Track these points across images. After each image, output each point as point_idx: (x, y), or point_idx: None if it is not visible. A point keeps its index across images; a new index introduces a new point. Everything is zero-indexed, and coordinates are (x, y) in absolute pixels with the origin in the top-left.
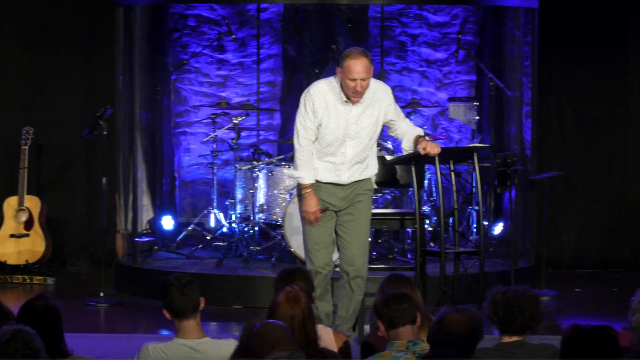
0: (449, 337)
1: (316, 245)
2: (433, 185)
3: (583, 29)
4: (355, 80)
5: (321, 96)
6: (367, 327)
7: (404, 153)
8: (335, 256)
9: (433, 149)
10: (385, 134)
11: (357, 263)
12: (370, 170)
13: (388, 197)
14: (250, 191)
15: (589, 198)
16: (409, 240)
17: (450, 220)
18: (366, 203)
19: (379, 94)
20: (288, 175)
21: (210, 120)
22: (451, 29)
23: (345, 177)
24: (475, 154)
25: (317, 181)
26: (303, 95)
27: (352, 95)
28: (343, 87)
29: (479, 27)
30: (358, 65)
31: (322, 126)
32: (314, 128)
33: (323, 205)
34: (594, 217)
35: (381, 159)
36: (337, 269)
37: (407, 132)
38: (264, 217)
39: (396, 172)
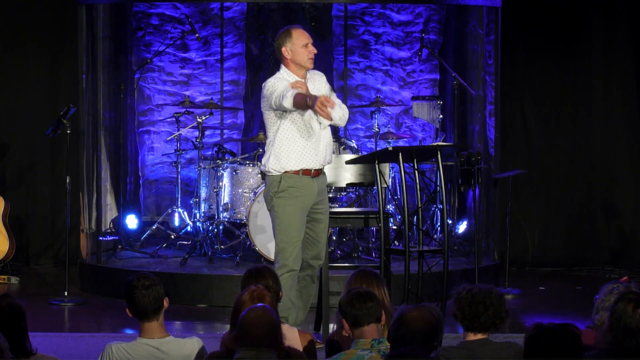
0: (409, 334)
1: (296, 243)
2: (397, 184)
3: (546, 28)
4: (307, 44)
5: (284, 80)
6: (332, 326)
7: None
8: None
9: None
10: (350, 132)
11: (322, 257)
12: (330, 154)
13: (352, 195)
14: (215, 190)
15: (553, 196)
16: (373, 239)
17: (415, 218)
18: (327, 200)
19: (316, 75)
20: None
21: (174, 119)
22: (415, 27)
23: (321, 156)
24: (439, 153)
25: (294, 173)
26: (269, 81)
27: (308, 61)
28: (295, 64)
29: (443, 26)
30: (304, 32)
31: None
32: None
33: (306, 206)
34: (558, 215)
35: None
36: None
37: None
38: (228, 216)
39: (360, 171)
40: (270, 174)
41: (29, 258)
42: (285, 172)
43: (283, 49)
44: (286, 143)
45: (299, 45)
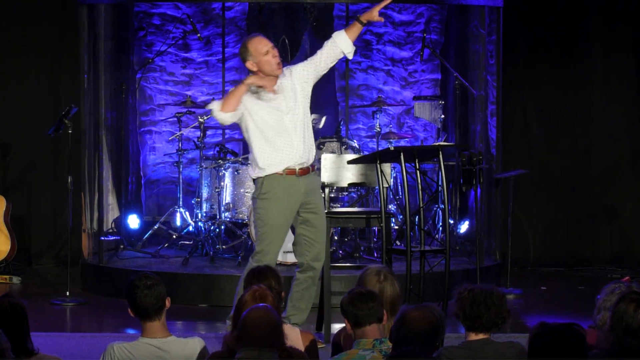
0: (411, 334)
1: (277, 245)
2: (399, 184)
3: (546, 28)
4: (267, 51)
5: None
6: (334, 326)
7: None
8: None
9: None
10: (351, 132)
11: (322, 258)
12: (314, 151)
13: (354, 195)
14: (216, 190)
15: (554, 196)
16: (375, 239)
17: (416, 218)
18: (321, 199)
19: (284, 80)
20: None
21: (175, 119)
22: (416, 27)
23: (297, 153)
24: (440, 153)
25: (278, 174)
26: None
27: (275, 67)
28: (264, 74)
29: (444, 26)
30: (262, 38)
31: (259, 115)
32: None
33: (291, 206)
34: (559, 215)
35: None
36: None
37: (328, 43)
38: (230, 216)
39: (362, 171)
40: (255, 178)
41: (31, 258)
42: (267, 175)
43: (248, 64)
44: (258, 148)
45: (259, 55)
